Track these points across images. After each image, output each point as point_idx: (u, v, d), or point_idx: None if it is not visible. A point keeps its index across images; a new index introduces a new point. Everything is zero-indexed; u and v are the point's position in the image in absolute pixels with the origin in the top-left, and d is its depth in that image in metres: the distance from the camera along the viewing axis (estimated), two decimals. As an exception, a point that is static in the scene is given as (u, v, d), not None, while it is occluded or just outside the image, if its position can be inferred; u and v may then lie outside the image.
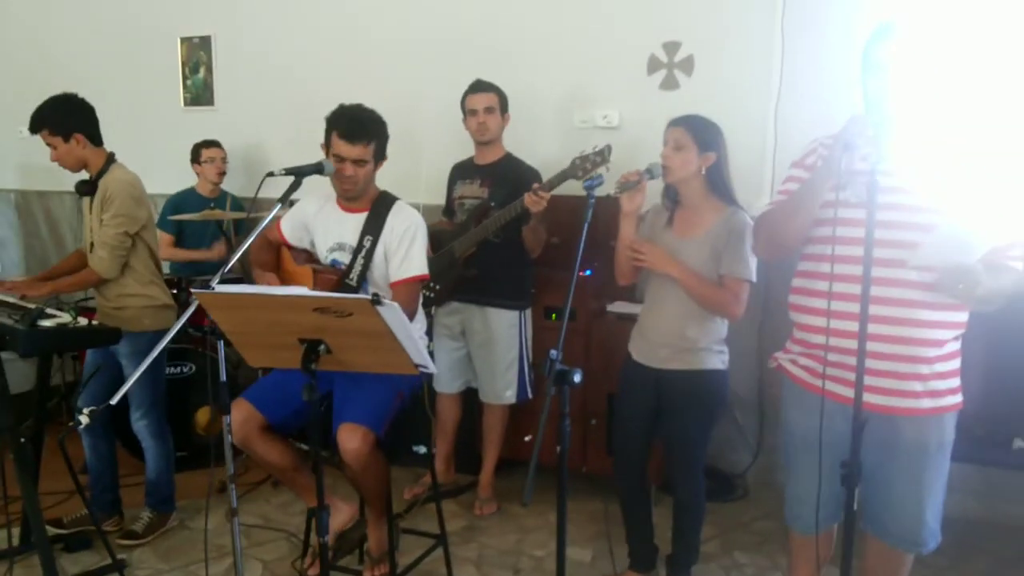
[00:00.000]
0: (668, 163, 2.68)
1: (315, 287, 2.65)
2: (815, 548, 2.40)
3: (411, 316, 2.77)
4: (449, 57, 4.26)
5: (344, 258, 2.75)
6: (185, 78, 5.29)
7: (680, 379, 2.74)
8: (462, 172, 3.68)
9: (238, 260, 2.23)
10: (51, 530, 3.22)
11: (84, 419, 2.27)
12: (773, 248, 2.32)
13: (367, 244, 2.70)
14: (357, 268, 2.70)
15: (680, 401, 2.75)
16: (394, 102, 4.35)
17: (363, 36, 4.61)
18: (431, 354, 3.72)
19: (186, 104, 5.31)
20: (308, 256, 2.88)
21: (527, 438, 3.78)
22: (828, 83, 3.47)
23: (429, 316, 3.69)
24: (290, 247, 2.91)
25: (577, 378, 2.02)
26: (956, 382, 2.17)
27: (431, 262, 3.53)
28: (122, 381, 3.22)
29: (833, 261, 2.08)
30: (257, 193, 2.41)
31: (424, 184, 4.31)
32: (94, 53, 5.50)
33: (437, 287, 3.59)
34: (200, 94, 5.27)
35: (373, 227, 2.71)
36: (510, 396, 3.60)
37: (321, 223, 2.83)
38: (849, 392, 2.14)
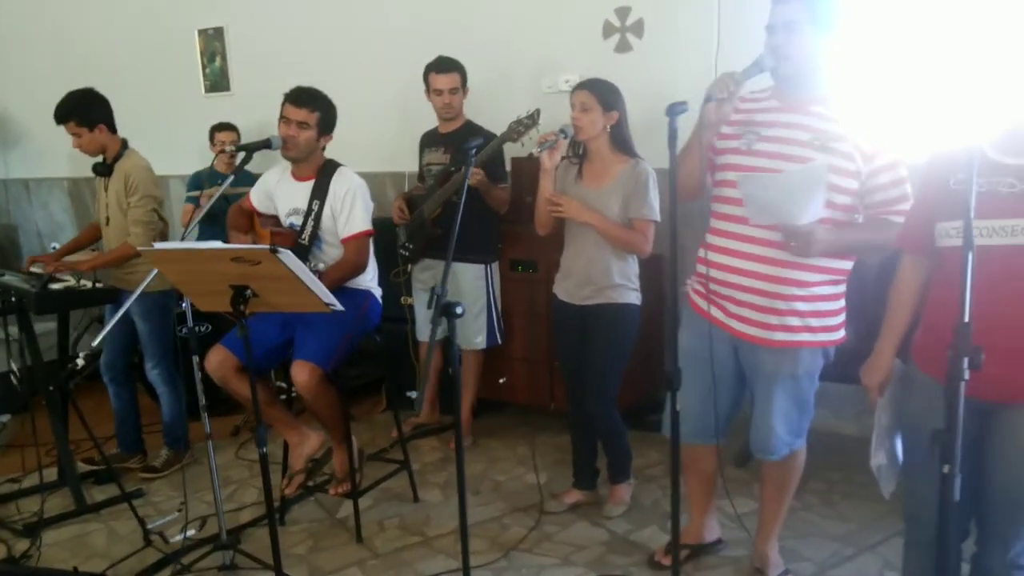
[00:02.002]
0: (578, 123, 3.00)
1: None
2: (698, 458, 2.74)
3: (363, 267, 3.19)
4: (435, 39, 4.55)
5: (298, 221, 3.16)
6: (204, 67, 5.78)
7: (600, 313, 3.07)
8: (429, 140, 4.04)
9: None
10: (84, 467, 3.77)
11: (80, 361, 2.77)
12: (679, 192, 2.58)
13: (315, 208, 3.10)
14: (308, 229, 3.12)
15: (598, 335, 3.09)
16: (389, 80, 4.81)
17: (360, 22, 4.99)
18: (411, 308, 4.15)
19: (206, 91, 5.80)
20: (275, 221, 3.30)
21: (501, 380, 4.17)
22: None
23: (407, 273, 4.09)
24: (259, 214, 3.33)
25: (459, 310, 2.34)
26: (818, 322, 2.39)
27: (407, 224, 3.95)
28: (136, 336, 3.74)
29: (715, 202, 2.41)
30: (211, 166, 2.84)
31: (413, 153, 4.68)
32: (123, 49, 6.03)
33: (411, 246, 3.99)
34: (218, 81, 5.74)
35: (319, 192, 3.11)
36: (480, 342, 3.98)
37: (280, 191, 3.25)
38: (720, 315, 2.47)
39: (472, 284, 3.92)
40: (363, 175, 5.02)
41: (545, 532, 3.15)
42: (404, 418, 4.24)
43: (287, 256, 2.18)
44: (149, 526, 3.16)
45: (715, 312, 2.46)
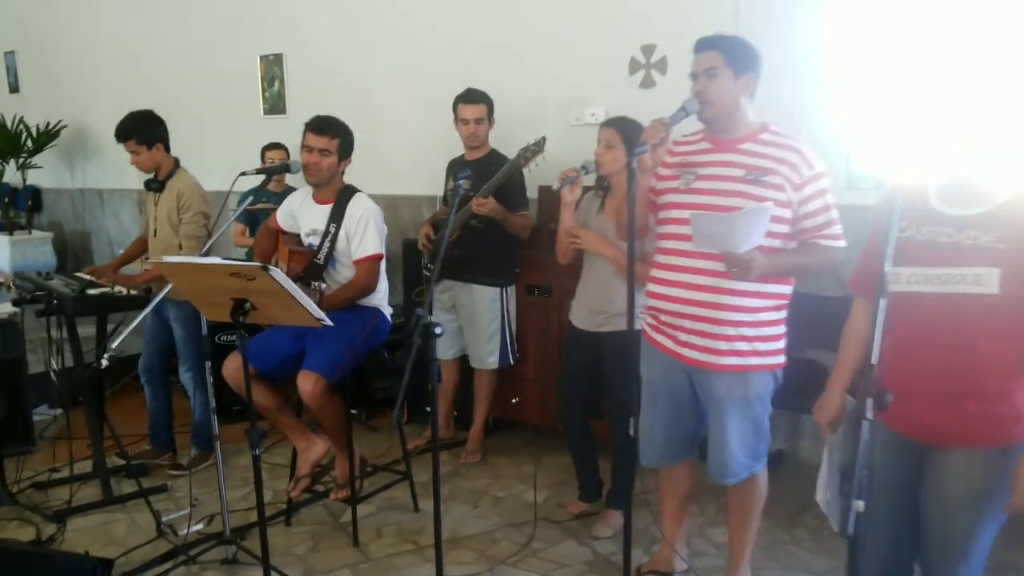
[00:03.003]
0: (600, 159, 3.15)
1: (289, 264, 3.30)
2: (674, 479, 2.83)
3: (372, 288, 3.37)
4: (472, 70, 4.73)
5: (316, 241, 3.37)
6: (264, 90, 6.12)
7: (614, 340, 3.18)
8: (454, 167, 4.23)
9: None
10: (116, 461, 4.03)
11: (104, 362, 3.00)
12: (625, 232, 2.66)
13: (332, 230, 3.30)
14: (324, 250, 3.32)
15: (615, 360, 3.20)
16: (430, 108, 5.03)
17: (405, 55, 5.24)
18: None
19: (264, 113, 6.13)
20: (298, 240, 3.51)
21: (514, 400, 4.30)
22: (780, 74, 3.78)
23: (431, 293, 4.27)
24: (284, 233, 3.55)
25: (439, 331, 2.47)
26: (765, 346, 2.50)
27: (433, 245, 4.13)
28: (173, 341, 4.00)
29: (659, 239, 2.52)
30: (231, 188, 3.07)
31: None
32: (192, 72, 6.46)
33: (431, 267, 4.16)
34: (276, 104, 6.07)
35: (336, 215, 3.31)
36: (493, 362, 4.12)
37: (302, 213, 3.46)
38: (671, 345, 2.58)
39: (487, 305, 4.07)
40: (402, 197, 5.28)
41: (533, 548, 3.26)
42: (420, 432, 4.42)
43: (277, 273, 2.36)
44: (164, 519, 3.38)
45: (666, 342, 2.57)
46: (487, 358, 4.12)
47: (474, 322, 4.09)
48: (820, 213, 2.41)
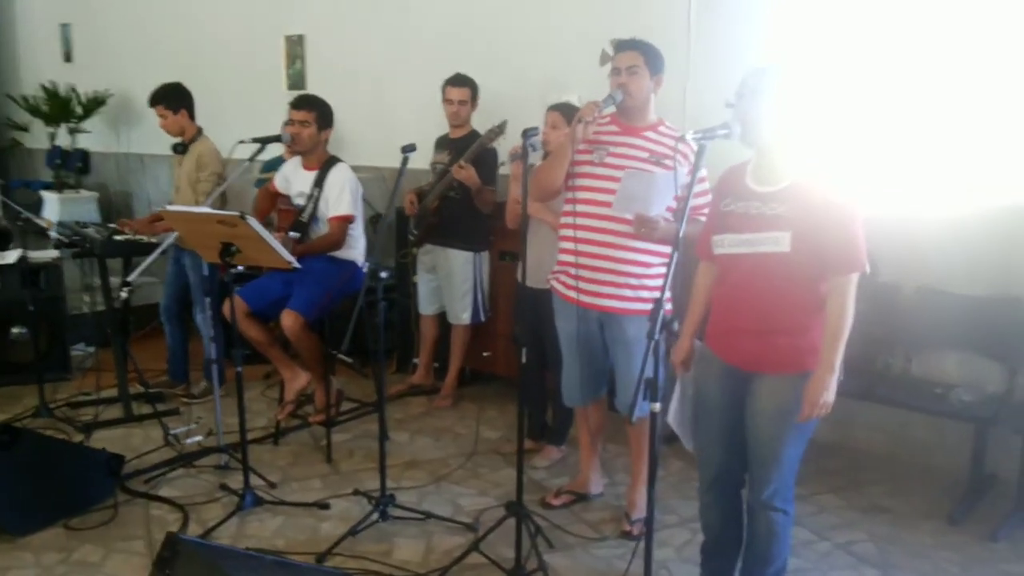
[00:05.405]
0: (546, 139, 3.64)
1: (279, 221, 3.87)
2: (588, 415, 3.34)
3: (340, 244, 3.93)
4: (465, 57, 5.25)
5: (303, 202, 3.94)
6: (287, 68, 6.70)
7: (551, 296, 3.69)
8: (439, 143, 4.75)
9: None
10: (139, 389, 4.67)
11: (123, 294, 3.60)
12: (541, 194, 3.19)
13: (315, 193, 3.88)
14: (308, 210, 3.89)
15: (551, 315, 3.70)
16: (430, 89, 5.53)
17: (411, 43, 5.76)
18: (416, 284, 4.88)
19: (288, 89, 6.71)
20: (290, 201, 4.09)
21: (485, 354, 4.83)
22: (730, 64, 4.23)
23: (413, 255, 4.82)
24: (279, 194, 4.13)
25: (384, 274, 3.02)
26: (658, 295, 3.00)
27: (415, 214, 4.67)
28: (188, 286, 4.61)
29: (575, 203, 3.02)
30: (230, 155, 3.64)
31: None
32: (225, 48, 7.05)
33: (416, 232, 4.71)
34: (297, 81, 6.65)
35: (319, 181, 3.89)
36: (466, 318, 4.66)
37: (293, 177, 4.04)
38: (585, 298, 3.08)
39: (462, 267, 4.59)
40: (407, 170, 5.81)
41: (477, 472, 3.81)
42: (403, 379, 4.99)
43: (252, 221, 2.93)
44: (170, 431, 3.99)
45: (581, 296, 3.06)
46: (461, 314, 4.65)
47: (450, 282, 4.62)
48: (701, 196, 2.89)
